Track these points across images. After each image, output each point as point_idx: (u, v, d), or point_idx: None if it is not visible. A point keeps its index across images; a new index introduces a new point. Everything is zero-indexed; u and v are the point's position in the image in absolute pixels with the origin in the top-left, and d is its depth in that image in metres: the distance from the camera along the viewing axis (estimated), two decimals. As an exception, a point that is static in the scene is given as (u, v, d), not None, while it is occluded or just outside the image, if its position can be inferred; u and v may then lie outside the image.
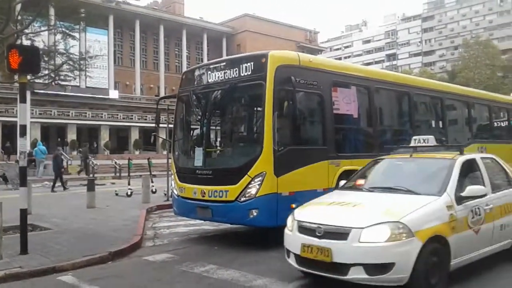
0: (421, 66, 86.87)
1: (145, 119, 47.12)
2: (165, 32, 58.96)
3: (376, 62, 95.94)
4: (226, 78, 7.69)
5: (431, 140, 6.65)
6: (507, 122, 14.53)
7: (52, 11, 17.20)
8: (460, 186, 5.39)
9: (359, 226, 4.61)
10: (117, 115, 48.24)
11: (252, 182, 7.01)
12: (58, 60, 16.63)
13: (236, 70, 7.56)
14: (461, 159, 5.87)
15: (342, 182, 6.61)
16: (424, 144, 6.62)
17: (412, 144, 6.73)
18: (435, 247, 4.74)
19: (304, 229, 5.01)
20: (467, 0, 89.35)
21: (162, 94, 49.30)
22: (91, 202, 12.56)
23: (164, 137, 9.76)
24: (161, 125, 10.26)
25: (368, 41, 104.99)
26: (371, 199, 5.53)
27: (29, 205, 9.23)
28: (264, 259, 6.57)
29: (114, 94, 52.19)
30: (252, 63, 7.41)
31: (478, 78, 56.96)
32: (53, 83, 16.70)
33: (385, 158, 6.64)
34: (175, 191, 8.41)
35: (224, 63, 7.95)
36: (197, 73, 8.53)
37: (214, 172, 7.66)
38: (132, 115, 48.73)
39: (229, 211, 7.26)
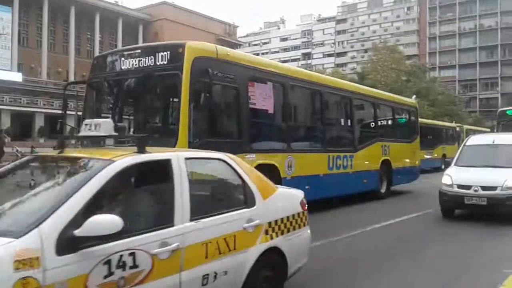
0: (334, 66, 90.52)
1: (52, 105, 44.13)
2: (76, 14, 55.77)
3: (292, 60, 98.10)
4: (141, 66, 7.40)
5: (105, 125, 3.82)
6: (408, 122, 15.51)
7: None
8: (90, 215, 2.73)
9: None
10: (20, 99, 44.96)
11: None
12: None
13: (151, 59, 7.30)
14: (121, 162, 3.19)
15: None
16: (91, 134, 3.83)
17: (82, 131, 3.98)
18: None
19: None
20: (377, 6, 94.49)
21: (71, 79, 46.57)
22: None
23: (72, 125, 9.18)
24: (69, 112, 9.69)
25: (285, 39, 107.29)
26: None
27: None
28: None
29: (17, 76, 48.36)
30: (168, 52, 7.21)
31: (384, 80, 60.21)
32: None
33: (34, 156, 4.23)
34: None
35: (139, 50, 7.66)
36: (109, 59, 8.15)
37: None
38: (37, 100, 45.68)
39: None
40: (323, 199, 10.10)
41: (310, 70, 76.04)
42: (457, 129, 33.31)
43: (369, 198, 12.30)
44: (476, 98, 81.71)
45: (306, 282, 4.97)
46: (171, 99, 7.74)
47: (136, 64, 7.48)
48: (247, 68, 8.39)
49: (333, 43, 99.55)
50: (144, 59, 7.40)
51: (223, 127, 8.06)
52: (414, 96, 18.33)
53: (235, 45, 69.67)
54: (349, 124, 12.01)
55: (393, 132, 14.44)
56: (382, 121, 14.17)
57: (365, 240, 7.57)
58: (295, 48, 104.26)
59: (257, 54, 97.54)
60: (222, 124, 7.99)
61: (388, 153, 13.25)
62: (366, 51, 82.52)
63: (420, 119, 31.57)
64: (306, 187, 9.32)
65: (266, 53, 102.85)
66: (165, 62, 7.19)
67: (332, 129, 11.40)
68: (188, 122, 6.91)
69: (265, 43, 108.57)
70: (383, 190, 13.16)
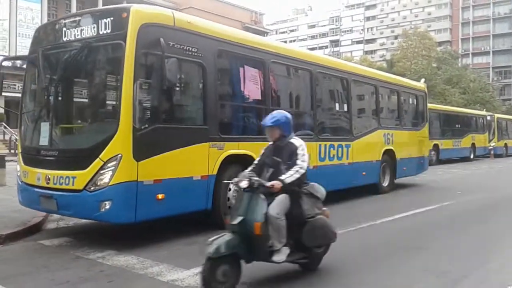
0: (363, 54, 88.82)
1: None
2: (104, 3, 56.15)
3: (320, 48, 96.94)
4: (83, 36, 6.25)
5: None
6: (415, 108, 14.12)
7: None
8: None
9: None
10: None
11: (105, 167, 5.68)
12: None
13: (94, 27, 6.14)
14: None
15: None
16: None
17: None
18: None
19: None
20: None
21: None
22: (0, 180, 11.71)
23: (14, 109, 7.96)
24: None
25: (313, 26, 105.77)
26: None
27: None
28: (170, 244, 6.21)
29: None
30: (111, 18, 6.02)
31: (414, 68, 58.88)
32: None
33: None
34: (19, 174, 6.96)
35: (81, 17, 6.50)
36: (51, 30, 6.99)
37: (61, 154, 6.29)
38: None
39: (77, 203, 5.88)
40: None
41: (338, 58, 74.75)
42: (488, 117, 32.09)
43: (372, 192, 11.23)
44: (510, 85, 78.89)
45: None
46: (114, 76, 6.40)
47: (78, 35, 6.32)
48: (215, 40, 7.07)
49: (362, 29, 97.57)
50: (86, 28, 6.25)
51: (181, 110, 6.80)
52: (423, 80, 17.00)
53: (262, 33, 68.69)
54: (345, 109, 10.57)
55: (397, 119, 12.94)
56: (385, 107, 12.77)
57: (367, 236, 7.01)
58: (323, 35, 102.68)
59: (285, 42, 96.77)
60: (179, 107, 6.74)
61: (392, 142, 11.91)
62: (396, 37, 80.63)
63: (448, 107, 31.03)
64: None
65: (294, 40, 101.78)
66: (108, 31, 6.01)
67: (324, 114, 10.03)
68: (132, 104, 5.72)
69: (293, 30, 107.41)
70: (385, 183, 11.80)
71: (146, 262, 5.29)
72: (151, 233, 6.82)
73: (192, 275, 4.77)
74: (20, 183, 6.91)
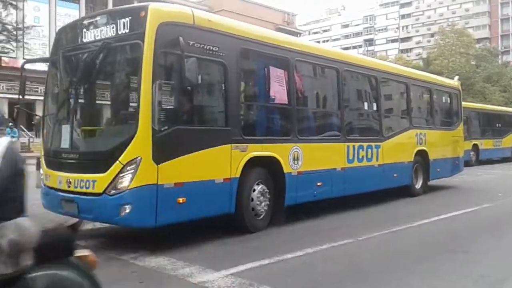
0: (398, 52, 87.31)
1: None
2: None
3: (354, 47, 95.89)
4: (102, 36, 6.16)
5: None
6: (449, 107, 13.63)
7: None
8: None
9: None
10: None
11: (124, 170, 5.53)
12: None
13: (113, 27, 6.02)
14: None
15: None
16: None
17: None
18: None
19: None
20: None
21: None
22: (40, 181, 12.05)
23: (36, 113, 7.66)
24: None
25: (346, 26, 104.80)
26: None
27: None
28: (201, 245, 6.20)
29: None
30: (129, 18, 5.89)
31: (452, 66, 57.34)
32: None
33: None
34: (42, 178, 6.99)
35: (100, 18, 6.40)
36: (72, 31, 6.91)
37: (81, 156, 6.22)
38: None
39: (97, 207, 5.76)
40: (342, 197, 8.77)
41: (372, 57, 73.87)
42: (531, 116, 30.85)
43: (404, 194, 10.74)
44: (555, 83, 75.81)
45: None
46: (133, 77, 6.26)
47: (97, 35, 6.23)
48: (238, 38, 6.84)
49: (397, 28, 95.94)
50: (105, 28, 6.15)
51: (202, 111, 6.64)
52: (456, 77, 16.32)
53: (294, 34, 68.58)
54: (374, 108, 10.19)
55: (430, 118, 12.39)
56: (416, 105, 12.25)
57: (404, 238, 6.88)
58: (357, 34, 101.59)
59: (318, 42, 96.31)
60: (200, 108, 6.58)
61: (425, 142, 11.40)
62: (432, 35, 78.88)
63: (488, 106, 30.01)
64: (318, 183, 8.05)
65: (327, 40, 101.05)
66: (127, 31, 5.89)
67: (352, 114, 9.62)
68: (152, 105, 5.56)
69: (326, 30, 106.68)
70: (418, 185, 11.30)
71: (177, 263, 5.29)
72: (183, 233, 6.79)
73: (222, 277, 4.77)
74: (43, 186, 6.89)
